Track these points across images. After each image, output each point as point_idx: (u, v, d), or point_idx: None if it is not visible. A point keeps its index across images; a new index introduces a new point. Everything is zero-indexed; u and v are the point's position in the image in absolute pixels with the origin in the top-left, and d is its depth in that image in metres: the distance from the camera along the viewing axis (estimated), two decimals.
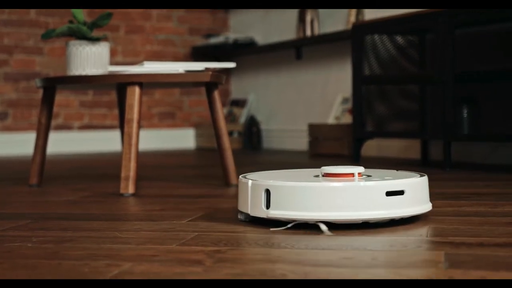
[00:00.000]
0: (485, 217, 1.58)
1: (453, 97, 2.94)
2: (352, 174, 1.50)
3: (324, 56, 4.45)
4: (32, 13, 4.76)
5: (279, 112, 4.90)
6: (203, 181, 2.57)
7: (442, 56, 2.97)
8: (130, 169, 2.18)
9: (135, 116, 2.22)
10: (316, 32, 4.39)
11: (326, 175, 1.53)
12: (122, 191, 2.16)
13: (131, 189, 2.16)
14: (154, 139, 5.15)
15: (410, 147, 3.74)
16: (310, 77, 4.58)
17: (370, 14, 4.05)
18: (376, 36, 3.37)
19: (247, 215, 1.56)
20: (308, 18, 4.41)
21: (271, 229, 1.43)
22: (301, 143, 4.68)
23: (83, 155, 4.49)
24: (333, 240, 1.32)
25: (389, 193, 1.43)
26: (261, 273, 1.06)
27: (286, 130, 4.82)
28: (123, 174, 2.18)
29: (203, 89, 5.37)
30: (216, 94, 2.42)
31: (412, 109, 3.26)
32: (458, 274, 1.03)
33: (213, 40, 5.06)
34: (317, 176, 1.57)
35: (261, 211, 1.48)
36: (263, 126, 5.07)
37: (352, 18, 4.07)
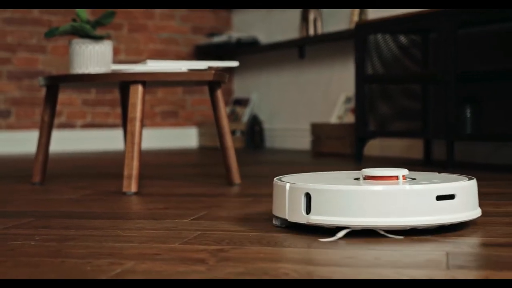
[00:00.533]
0: (488, 216, 1.58)
1: (456, 96, 2.94)
2: (396, 177, 1.41)
3: (327, 56, 4.45)
4: (35, 11, 4.76)
5: (282, 111, 4.90)
6: (205, 180, 2.57)
7: (444, 55, 2.97)
8: (132, 168, 2.18)
9: (138, 114, 2.22)
10: (319, 31, 4.39)
11: (368, 178, 1.43)
12: (124, 189, 2.17)
13: (133, 188, 2.17)
14: (156, 138, 5.15)
15: (412, 147, 3.73)
16: (313, 77, 4.58)
17: (373, 13, 4.05)
18: (379, 36, 3.37)
19: (283, 220, 1.46)
20: (311, 17, 4.41)
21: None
22: (304, 142, 4.68)
23: (86, 153, 4.50)
24: (335, 240, 1.32)
25: (439, 197, 1.35)
26: (264, 272, 1.06)
27: (289, 129, 4.82)
28: (125, 173, 2.18)
29: (206, 88, 5.37)
30: (219, 93, 2.42)
31: (415, 108, 3.26)
32: (460, 274, 1.03)
33: (216, 39, 5.06)
34: (358, 179, 1.48)
35: (300, 217, 1.38)
36: (265, 125, 5.07)
37: (355, 18, 4.07)
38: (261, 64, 5.11)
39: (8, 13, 4.67)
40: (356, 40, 3.43)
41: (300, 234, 1.38)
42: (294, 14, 4.75)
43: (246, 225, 1.51)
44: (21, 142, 4.71)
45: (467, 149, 3.39)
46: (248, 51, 4.95)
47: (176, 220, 1.60)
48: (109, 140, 4.99)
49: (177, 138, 5.23)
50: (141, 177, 2.75)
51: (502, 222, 1.50)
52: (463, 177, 1.49)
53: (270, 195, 2.06)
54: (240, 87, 5.37)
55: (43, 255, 1.21)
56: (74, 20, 2.46)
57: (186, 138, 5.27)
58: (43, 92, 4.79)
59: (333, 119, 4.18)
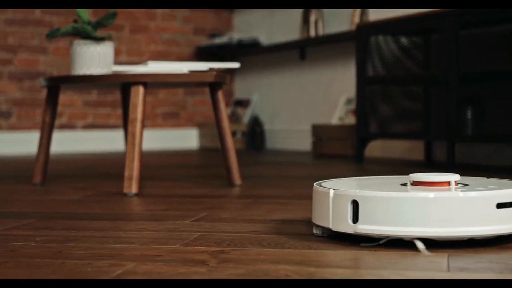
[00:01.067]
0: None
1: (457, 98, 2.94)
2: (448, 183, 1.31)
3: (328, 57, 4.45)
4: (37, 12, 4.76)
5: (283, 112, 4.90)
6: (206, 181, 2.57)
7: (446, 56, 2.97)
8: (133, 169, 2.18)
9: (139, 115, 2.22)
10: (320, 32, 4.39)
11: (416, 183, 1.33)
12: (125, 190, 2.17)
13: (134, 189, 2.17)
14: (157, 139, 5.15)
15: (413, 148, 3.73)
16: (314, 78, 4.58)
17: (375, 14, 4.05)
18: (380, 37, 3.37)
19: (325, 229, 1.36)
20: (313, 18, 4.41)
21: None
22: (305, 143, 4.68)
23: (87, 154, 4.50)
24: (336, 241, 1.32)
25: (500, 205, 1.24)
26: (265, 273, 1.06)
27: (290, 130, 4.82)
28: (126, 174, 2.18)
29: (207, 89, 5.37)
30: (220, 94, 2.42)
31: (416, 110, 3.26)
32: (462, 275, 1.02)
33: (217, 40, 5.06)
34: (404, 184, 1.37)
35: (346, 226, 1.28)
36: (266, 126, 5.07)
37: (356, 19, 4.07)
38: (262, 65, 5.11)
39: (9, 14, 4.68)
40: (358, 42, 3.43)
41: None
42: (295, 15, 4.75)
43: (247, 227, 1.51)
44: (22, 143, 4.71)
45: (468, 150, 3.39)
46: (249, 52, 4.95)
47: (177, 221, 1.60)
48: (110, 141, 4.99)
49: (178, 139, 5.24)
50: (142, 178, 2.75)
51: None
52: None
53: (271, 196, 2.06)
54: (241, 88, 5.37)
55: (44, 256, 1.21)
56: (75, 21, 2.46)
57: (187, 139, 5.27)
58: (44, 93, 4.79)
59: (334, 120, 4.18)
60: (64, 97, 4.85)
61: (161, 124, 5.18)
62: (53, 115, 2.54)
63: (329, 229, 1.33)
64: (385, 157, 3.85)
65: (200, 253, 1.22)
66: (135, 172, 2.18)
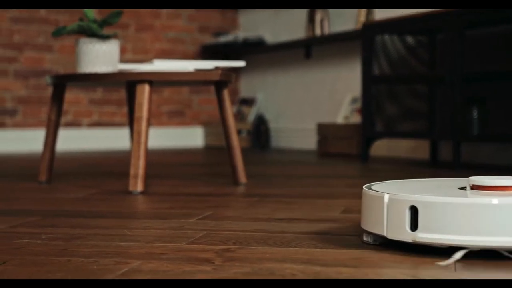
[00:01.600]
0: None
1: (463, 97, 2.93)
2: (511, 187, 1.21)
3: (334, 56, 4.44)
4: (42, 10, 4.77)
5: (288, 111, 4.89)
6: (211, 180, 2.57)
7: (451, 56, 2.96)
8: (139, 167, 2.18)
9: (145, 114, 2.22)
10: (326, 31, 4.38)
11: (477, 187, 1.23)
12: (131, 188, 2.17)
13: (140, 187, 2.17)
14: (163, 137, 5.16)
15: (419, 147, 3.73)
16: (319, 77, 4.58)
17: (380, 13, 4.04)
18: (386, 36, 3.36)
19: (378, 237, 1.26)
20: (318, 17, 4.40)
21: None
22: (310, 142, 4.68)
23: (92, 152, 4.50)
24: (342, 240, 1.32)
25: None
26: (271, 272, 1.06)
27: (295, 129, 4.81)
28: (132, 172, 2.18)
29: (212, 88, 5.37)
30: (225, 93, 2.42)
31: (422, 109, 3.25)
32: (468, 275, 1.02)
33: (223, 39, 5.06)
34: (463, 188, 1.28)
35: (404, 234, 1.17)
36: (271, 125, 5.07)
37: (362, 18, 4.06)
38: (267, 64, 5.11)
39: (15, 12, 4.68)
40: (363, 41, 3.43)
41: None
42: (301, 14, 4.74)
43: (252, 225, 1.51)
44: (27, 141, 4.72)
45: (473, 150, 3.39)
46: (255, 51, 4.95)
47: (182, 220, 1.60)
48: (115, 139, 5.00)
49: (183, 137, 5.24)
50: (147, 176, 2.75)
51: None
52: None
53: (276, 195, 2.06)
54: (246, 86, 5.37)
55: (50, 254, 1.21)
56: (81, 19, 2.46)
57: (192, 137, 5.27)
58: (49, 91, 4.79)
59: (339, 119, 4.18)
60: (69, 95, 4.86)
61: (166, 123, 5.18)
62: (59, 113, 2.54)
63: (383, 237, 1.23)
64: (391, 156, 3.84)
65: (206, 251, 1.22)
66: (141, 170, 2.18)
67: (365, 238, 1.28)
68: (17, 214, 1.71)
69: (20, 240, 1.35)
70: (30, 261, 1.15)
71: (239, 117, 5.17)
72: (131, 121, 2.78)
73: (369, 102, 3.40)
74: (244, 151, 4.54)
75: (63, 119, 4.84)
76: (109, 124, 4.99)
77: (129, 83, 2.55)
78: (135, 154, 2.20)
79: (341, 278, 1.02)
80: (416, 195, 1.17)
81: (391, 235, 1.20)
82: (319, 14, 4.40)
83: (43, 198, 2.06)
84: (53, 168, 3.19)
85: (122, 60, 5.00)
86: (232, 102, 5.40)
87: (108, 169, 3.12)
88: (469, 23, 2.90)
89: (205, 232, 1.43)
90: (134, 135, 2.22)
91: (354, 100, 4.17)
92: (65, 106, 4.84)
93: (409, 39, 3.31)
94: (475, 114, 2.96)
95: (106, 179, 2.62)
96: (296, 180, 2.53)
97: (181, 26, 5.23)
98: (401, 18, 3.22)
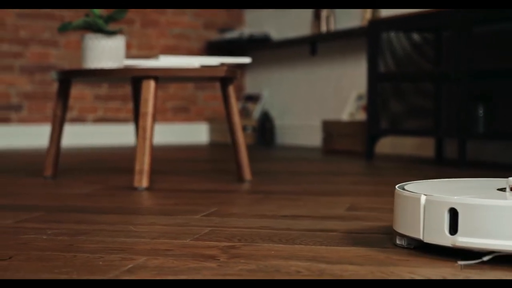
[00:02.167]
0: None
1: (468, 95, 2.92)
2: None
3: (339, 53, 4.44)
4: None
5: (293, 108, 4.89)
6: (216, 176, 2.57)
7: (457, 53, 2.96)
8: (144, 163, 2.18)
9: (150, 110, 2.22)
10: (332, 28, 4.38)
11: None
12: (136, 184, 2.17)
13: (145, 183, 2.17)
14: (168, 133, 5.16)
15: (424, 145, 3.72)
16: (324, 73, 4.57)
17: (386, 11, 4.03)
18: (392, 33, 3.35)
19: (413, 240, 1.20)
20: (324, 14, 4.40)
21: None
22: (315, 139, 4.67)
23: (97, 148, 4.51)
24: (347, 238, 1.32)
25: None
26: (276, 269, 1.05)
27: (300, 126, 4.81)
28: (137, 168, 2.18)
29: (217, 84, 5.37)
30: (231, 89, 2.42)
31: (427, 106, 3.25)
32: (474, 274, 1.02)
33: (228, 35, 5.06)
34: (502, 189, 1.22)
35: (443, 238, 1.12)
36: (276, 122, 5.06)
37: (368, 15, 4.05)
38: (272, 60, 5.11)
39: None
40: (369, 38, 3.42)
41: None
42: (307, 11, 4.74)
43: (258, 222, 1.51)
44: (33, 136, 4.73)
45: (479, 147, 3.38)
46: (260, 47, 4.94)
47: (187, 216, 1.60)
48: (120, 135, 5.00)
49: (188, 133, 5.24)
50: (152, 172, 2.75)
51: None
52: None
53: (281, 192, 2.06)
54: (251, 83, 5.36)
55: (55, 249, 1.21)
56: (87, 15, 2.46)
57: (197, 133, 5.27)
58: (55, 86, 4.80)
59: (345, 116, 4.17)
60: (75, 91, 4.86)
61: (171, 119, 5.18)
62: (64, 108, 2.54)
63: (419, 240, 1.17)
64: (395, 154, 3.84)
65: (211, 248, 1.22)
66: (146, 166, 2.18)
67: (398, 241, 1.23)
68: (23, 209, 1.71)
69: (25, 235, 1.36)
70: (35, 256, 1.15)
71: (244, 113, 5.17)
72: (136, 117, 2.78)
73: (374, 99, 3.39)
74: (249, 147, 4.54)
75: (69, 115, 4.84)
76: (114, 120, 5.00)
77: (134, 79, 2.55)
78: (140, 150, 2.20)
79: (346, 276, 1.01)
80: (456, 197, 1.11)
81: (428, 239, 1.14)
82: (324, 11, 4.40)
83: (49, 193, 2.06)
84: (58, 163, 3.19)
85: (127, 56, 5.00)
86: (237, 99, 5.40)
87: (113, 165, 3.13)
88: (475, 21, 2.90)
89: (210, 228, 1.43)
90: (139, 131, 2.22)
91: (359, 97, 4.17)
92: (70, 102, 4.84)
93: (415, 36, 3.31)
94: (480, 111, 2.96)
95: (111, 175, 2.62)
96: (301, 177, 2.52)
97: (187, 22, 5.23)
98: (407, 16, 3.21)
